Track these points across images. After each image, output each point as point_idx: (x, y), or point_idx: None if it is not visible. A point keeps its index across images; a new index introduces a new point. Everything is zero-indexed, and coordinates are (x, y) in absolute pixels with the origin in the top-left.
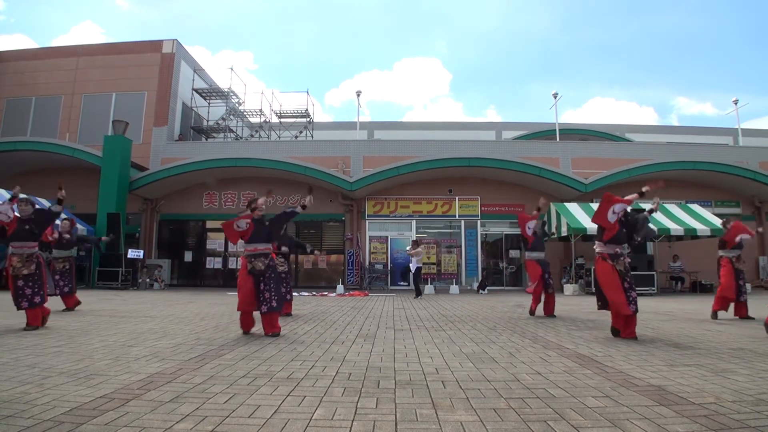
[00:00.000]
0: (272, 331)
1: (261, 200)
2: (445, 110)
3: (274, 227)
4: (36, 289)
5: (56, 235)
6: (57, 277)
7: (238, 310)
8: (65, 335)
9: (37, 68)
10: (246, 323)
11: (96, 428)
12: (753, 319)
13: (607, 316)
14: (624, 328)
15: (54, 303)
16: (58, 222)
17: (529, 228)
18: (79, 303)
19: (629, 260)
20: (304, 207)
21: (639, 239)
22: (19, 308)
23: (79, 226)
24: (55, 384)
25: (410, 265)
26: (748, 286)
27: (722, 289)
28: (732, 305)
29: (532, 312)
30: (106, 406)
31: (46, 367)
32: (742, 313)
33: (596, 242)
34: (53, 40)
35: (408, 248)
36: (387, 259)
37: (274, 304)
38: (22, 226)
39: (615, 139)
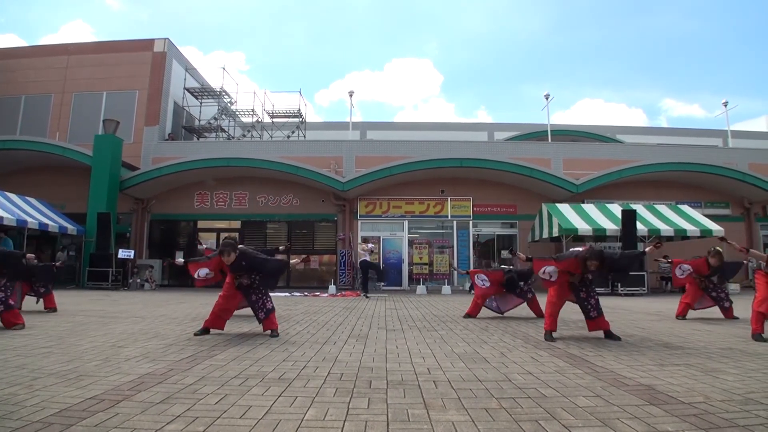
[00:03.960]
0: (271, 327)
1: (232, 256)
2: (436, 111)
3: (254, 263)
4: None
5: None
6: None
7: (213, 312)
8: (54, 336)
9: (26, 66)
10: (215, 322)
11: (86, 429)
12: (737, 319)
13: None
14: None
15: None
16: None
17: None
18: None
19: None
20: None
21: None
22: None
23: (65, 222)
24: (44, 385)
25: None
26: (737, 286)
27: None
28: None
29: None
30: (96, 407)
31: (35, 368)
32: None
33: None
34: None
35: (364, 247)
36: (379, 259)
37: (270, 306)
38: None
39: (606, 140)
